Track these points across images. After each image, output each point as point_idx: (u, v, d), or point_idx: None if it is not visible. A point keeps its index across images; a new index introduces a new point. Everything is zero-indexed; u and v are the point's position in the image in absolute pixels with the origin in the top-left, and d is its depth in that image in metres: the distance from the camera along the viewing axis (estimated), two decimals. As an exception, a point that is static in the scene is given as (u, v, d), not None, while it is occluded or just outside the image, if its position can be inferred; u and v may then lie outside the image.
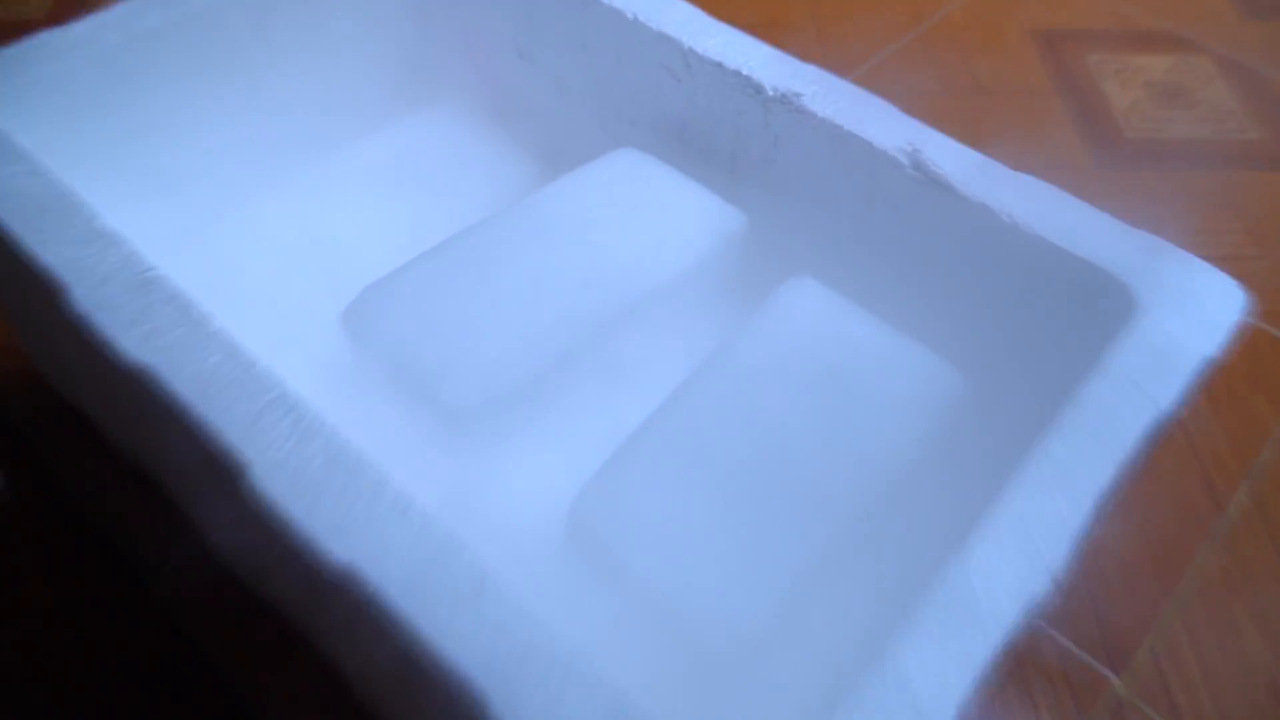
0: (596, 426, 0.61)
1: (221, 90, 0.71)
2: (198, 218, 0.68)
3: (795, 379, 0.59)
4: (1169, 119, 1.07)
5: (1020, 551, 0.44)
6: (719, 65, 0.66)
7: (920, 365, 0.60)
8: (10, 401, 0.75)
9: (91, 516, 0.69)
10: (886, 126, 0.62)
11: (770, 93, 0.64)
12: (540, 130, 0.79)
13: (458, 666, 0.39)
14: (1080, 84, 1.10)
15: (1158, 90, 1.10)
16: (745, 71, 0.65)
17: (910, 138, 0.61)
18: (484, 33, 0.80)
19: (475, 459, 0.60)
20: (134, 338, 0.50)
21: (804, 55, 1.02)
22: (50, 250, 0.52)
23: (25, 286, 0.57)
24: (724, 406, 0.58)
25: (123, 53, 0.67)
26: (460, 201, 0.76)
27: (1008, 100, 1.07)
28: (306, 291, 0.65)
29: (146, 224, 0.65)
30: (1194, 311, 0.53)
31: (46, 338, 0.68)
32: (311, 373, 0.61)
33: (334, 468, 0.46)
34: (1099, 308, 0.55)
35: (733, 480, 0.55)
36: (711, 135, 0.69)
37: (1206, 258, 0.57)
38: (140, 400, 0.52)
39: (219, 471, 0.48)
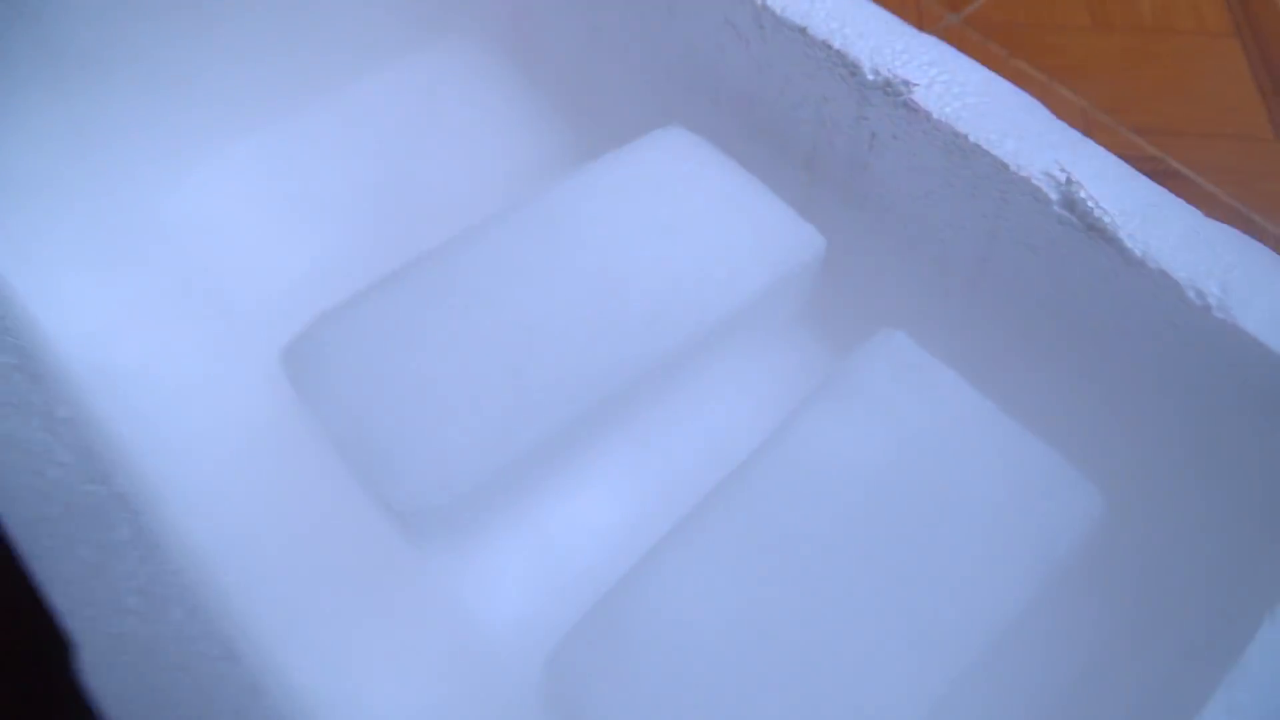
0: (604, 533, 0.46)
1: (158, 21, 0.55)
2: (116, 201, 0.54)
3: (878, 484, 0.43)
4: (1381, 77, 0.85)
5: None
6: (802, 31, 0.48)
7: (1047, 476, 0.43)
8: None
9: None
10: (1030, 137, 0.44)
11: (870, 76, 0.46)
12: (571, 83, 0.62)
13: None
14: (1267, 23, 0.88)
15: (1369, 36, 0.88)
16: (838, 44, 0.47)
17: (1062, 158, 0.43)
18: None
19: (440, 555, 0.46)
20: (-47, 427, 0.36)
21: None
22: None
23: None
24: (779, 517, 0.43)
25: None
26: (463, 176, 0.60)
27: (1173, 41, 0.86)
28: (249, 306, 0.51)
29: (44, 211, 0.50)
30: None
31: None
32: (243, 416, 0.48)
33: (189, 662, 0.32)
34: (1322, 445, 0.38)
35: (783, 632, 0.40)
36: (786, 121, 0.52)
37: None
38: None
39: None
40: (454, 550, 0.45)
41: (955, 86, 0.45)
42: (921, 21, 0.85)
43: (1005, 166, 0.43)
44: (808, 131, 0.51)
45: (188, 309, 0.51)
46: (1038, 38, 0.85)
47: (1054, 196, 0.42)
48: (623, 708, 0.39)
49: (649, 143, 0.52)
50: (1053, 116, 0.45)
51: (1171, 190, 0.76)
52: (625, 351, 0.46)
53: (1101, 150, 0.43)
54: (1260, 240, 0.74)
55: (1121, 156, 0.77)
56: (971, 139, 0.44)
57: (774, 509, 0.42)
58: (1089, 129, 0.79)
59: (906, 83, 0.45)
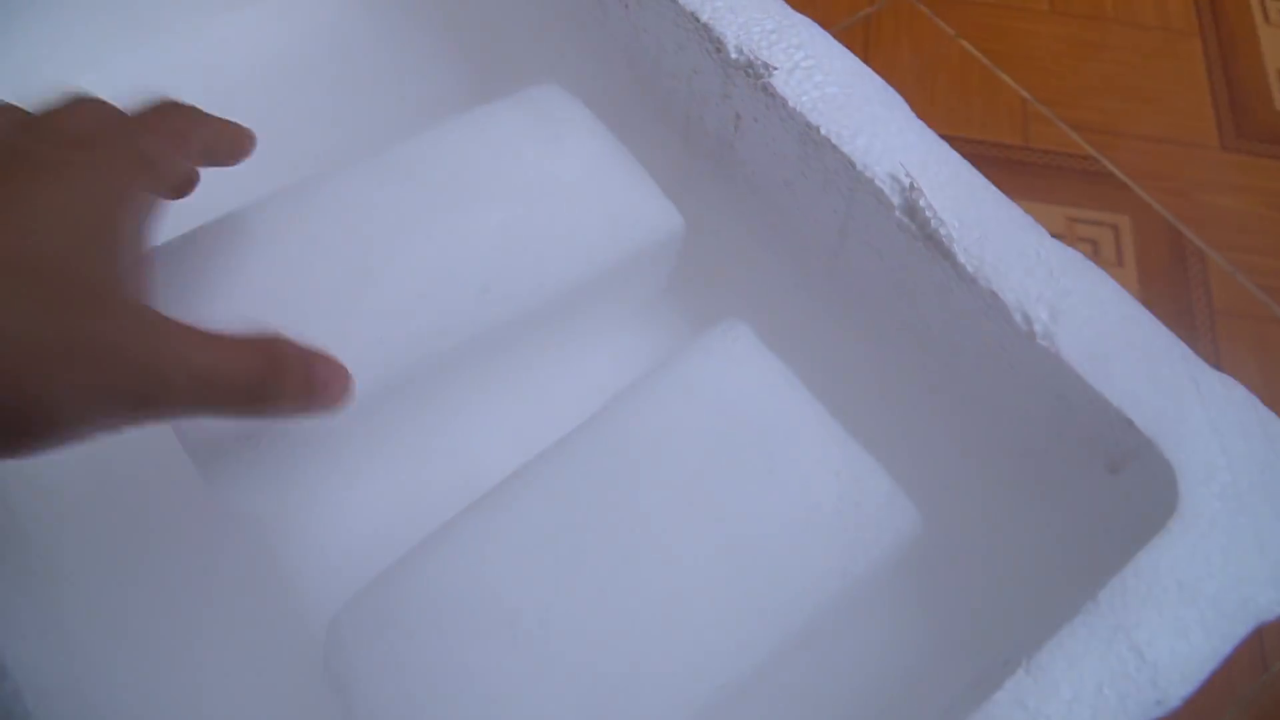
0: (420, 495, 0.45)
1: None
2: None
3: (688, 477, 0.42)
4: (1338, 93, 0.82)
5: None
6: (671, 0, 0.46)
7: (865, 488, 0.42)
8: None
9: None
10: (883, 135, 0.42)
11: (734, 55, 0.44)
12: (459, 25, 0.60)
13: None
14: (1234, 26, 0.85)
15: (1333, 48, 0.84)
16: (705, 17, 0.45)
17: (911, 160, 0.41)
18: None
19: (241, 501, 0.45)
20: None
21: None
22: None
23: None
24: (580, 502, 0.41)
25: None
26: (338, 115, 0.58)
27: (1132, 35, 0.83)
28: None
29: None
30: (1270, 531, 0.35)
31: None
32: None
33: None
34: (1131, 489, 0.37)
35: (566, 618, 0.39)
36: (662, 91, 0.50)
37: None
38: None
39: None
40: (255, 497, 0.44)
41: (817, 74, 0.43)
42: (868, -9, 0.82)
43: (853, 164, 0.41)
44: (681, 104, 0.49)
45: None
46: (990, 18, 0.82)
47: (896, 201, 0.41)
48: (391, 680, 0.38)
49: (517, 100, 0.50)
50: (913, 115, 0.43)
51: (1102, 193, 0.74)
52: (452, 318, 0.44)
53: (956, 156, 0.42)
54: (1184, 252, 0.72)
55: (1055, 153, 0.75)
56: (823, 131, 0.42)
57: (577, 493, 0.41)
58: (1026, 120, 0.77)
59: (767, 65, 0.43)
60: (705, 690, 0.38)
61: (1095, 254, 0.71)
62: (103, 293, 0.28)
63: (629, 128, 0.51)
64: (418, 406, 0.46)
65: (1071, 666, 0.33)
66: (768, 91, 0.43)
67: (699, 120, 0.48)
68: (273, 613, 0.45)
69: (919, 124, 0.42)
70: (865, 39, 0.80)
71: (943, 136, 0.42)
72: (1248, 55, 0.83)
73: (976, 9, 0.82)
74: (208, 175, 0.52)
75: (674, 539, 0.41)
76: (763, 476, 0.42)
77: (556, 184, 0.48)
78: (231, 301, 0.43)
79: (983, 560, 0.44)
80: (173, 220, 0.46)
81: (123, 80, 0.54)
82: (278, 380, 0.31)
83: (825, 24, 0.45)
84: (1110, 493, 0.39)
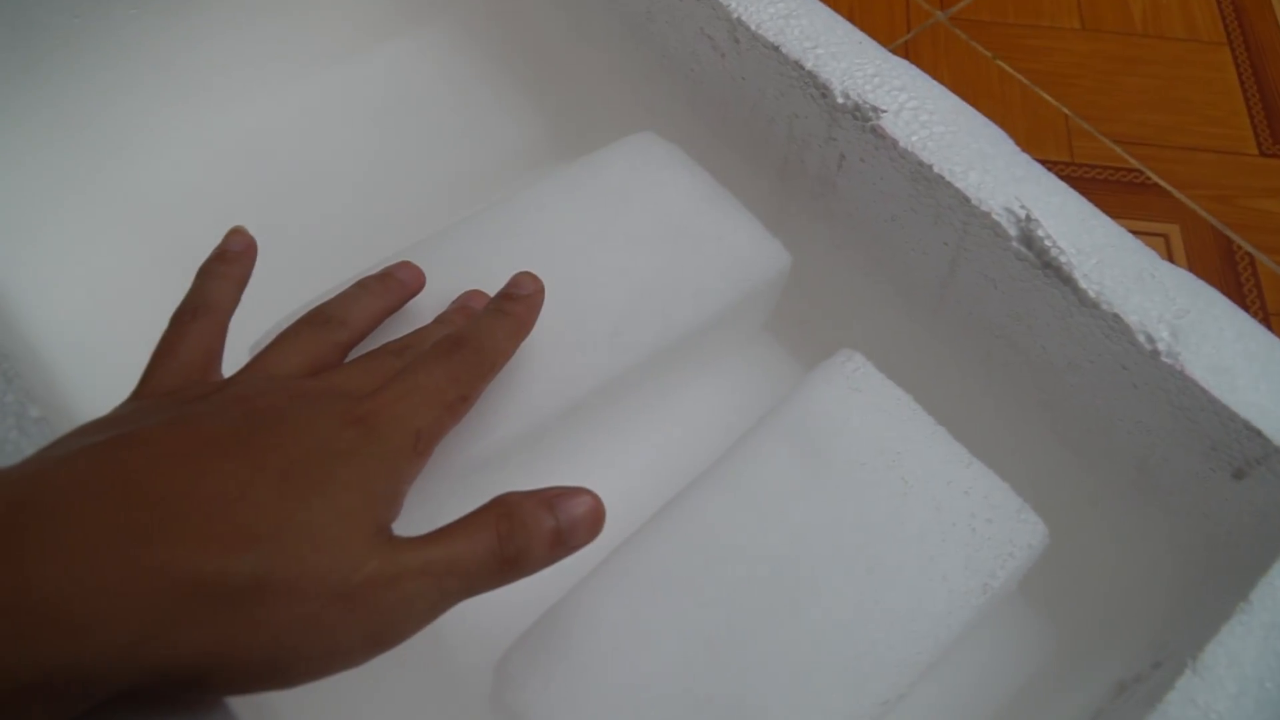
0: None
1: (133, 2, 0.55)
2: (97, 179, 0.54)
3: (834, 502, 0.44)
4: (1366, 95, 0.85)
5: None
6: (775, 49, 0.48)
7: (993, 505, 0.44)
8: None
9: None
10: (994, 170, 0.44)
11: (840, 99, 0.46)
12: (550, 79, 0.62)
13: None
14: (1261, 35, 0.88)
15: (1357, 52, 0.87)
16: (809, 64, 0.47)
17: (1024, 193, 0.43)
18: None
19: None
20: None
21: None
22: None
23: None
24: (723, 540, 0.43)
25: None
26: (436, 168, 0.60)
27: (1163, 48, 0.86)
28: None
29: (22, 189, 0.50)
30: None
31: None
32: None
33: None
34: (1257, 494, 0.39)
35: (721, 652, 0.41)
36: (759, 134, 0.52)
37: None
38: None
39: None
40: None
41: (923, 114, 0.45)
42: (909, 19, 0.85)
43: (967, 199, 0.43)
44: (779, 146, 0.51)
45: (172, 287, 0.52)
46: (1024, 39, 0.85)
47: (1013, 232, 0.43)
48: (568, 710, 0.40)
49: (620, 149, 0.52)
50: (1018, 149, 0.45)
51: (1150, 204, 0.76)
52: (585, 365, 0.46)
53: (1063, 186, 0.44)
54: (1233, 257, 0.75)
55: (1101, 167, 0.78)
56: (935, 169, 0.44)
57: (725, 527, 0.43)
58: (1069, 136, 0.79)
59: (875, 108, 0.45)
60: (867, 708, 0.40)
61: (1151, 263, 0.73)
62: (369, 571, 0.29)
63: (722, 170, 0.53)
64: (549, 455, 0.48)
65: (1233, 664, 0.35)
66: (877, 133, 0.45)
67: (798, 162, 0.51)
68: (424, 659, 0.46)
69: (1024, 157, 0.45)
70: (908, 66, 0.83)
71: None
72: (1277, 62, 0.85)
73: (1010, 30, 0.85)
74: (309, 241, 0.54)
75: (820, 563, 0.42)
76: (897, 500, 0.44)
77: (665, 229, 0.50)
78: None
79: (1104, 569, 0.46)
80: (287, 287, 0.48)
81: (213, 137, 0.56)
82: (516, 538, 0.31)
83: (917, 64, 0.48)
84: (1236, 498, 0.41)
